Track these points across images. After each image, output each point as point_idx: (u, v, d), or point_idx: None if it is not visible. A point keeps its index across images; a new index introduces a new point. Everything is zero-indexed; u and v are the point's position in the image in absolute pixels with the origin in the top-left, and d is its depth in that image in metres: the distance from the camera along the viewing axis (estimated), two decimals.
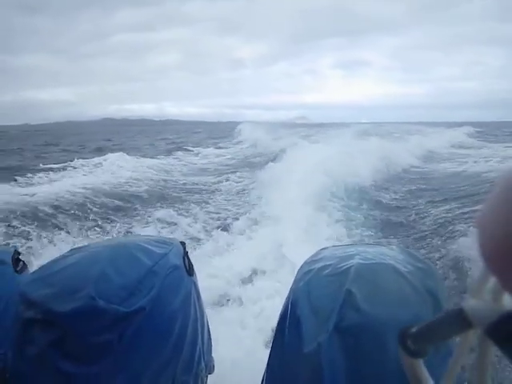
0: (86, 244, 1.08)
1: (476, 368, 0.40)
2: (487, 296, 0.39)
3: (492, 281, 0.38)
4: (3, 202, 10.60)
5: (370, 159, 15.16)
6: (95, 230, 9.56)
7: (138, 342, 0.91)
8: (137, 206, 11.86)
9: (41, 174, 16.84)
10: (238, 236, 8.08)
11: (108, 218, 10.51)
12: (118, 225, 9.92)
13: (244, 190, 13.22)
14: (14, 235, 8.68)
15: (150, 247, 1.02)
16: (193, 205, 11.57)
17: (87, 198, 12.04)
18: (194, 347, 1.04)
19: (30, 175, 16.44)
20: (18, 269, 1.26)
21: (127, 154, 22.55)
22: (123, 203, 12.03)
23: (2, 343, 1.21)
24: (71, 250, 1.05)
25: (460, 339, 0.44)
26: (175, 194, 13.56)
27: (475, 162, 19.72)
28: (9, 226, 9.06)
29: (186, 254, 1.08)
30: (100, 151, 26.44)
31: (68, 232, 9.18)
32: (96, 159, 20.69)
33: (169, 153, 27.10)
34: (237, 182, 14.87)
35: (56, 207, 10.81)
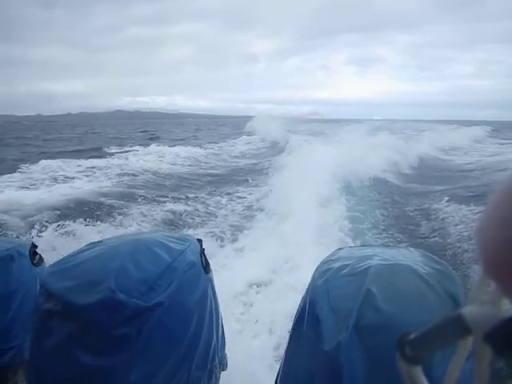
0: (104, 238, 1.09)
1: (475, 374, 0.40)
2: (486, 301, 0.38)
3: (491, 286, 0.38)
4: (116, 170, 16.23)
5: (381, 156, 15.15)
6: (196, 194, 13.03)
7: (155, 336, 0.91)
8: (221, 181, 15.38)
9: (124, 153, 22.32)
10: (252, 236, 8.13)
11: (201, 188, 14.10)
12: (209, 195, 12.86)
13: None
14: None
15: (168, 243, 1.03)
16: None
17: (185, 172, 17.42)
18: (209, 343, 1.05)
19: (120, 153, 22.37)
20: (35, 262, 1.28)
21: (183, 144, 27.55)
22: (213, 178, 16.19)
23: (18, 334, 1.23)
24: (89, 243, 1.06)
25: (459, 345, 0.44)
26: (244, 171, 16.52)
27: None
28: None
29: (202, 251, 1.08)
30: (156, 139, 32.18)
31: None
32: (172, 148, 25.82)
33: (216, 142, 31.47)
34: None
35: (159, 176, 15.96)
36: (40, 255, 1.30)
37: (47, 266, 1.07)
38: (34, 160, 18.09)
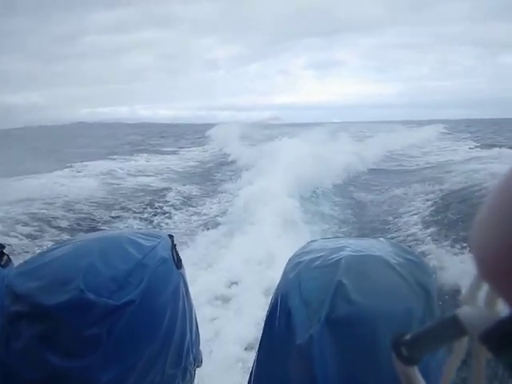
0: (72, 237, 1.06)
1: (471, 374, 0.40)
2: (481, 302, 0.39)
3: (485, 287, 0.38)
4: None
5: (337, 158, 15.32)
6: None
7: (127, 335, 0.90)
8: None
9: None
10: (220, 237, 8.08)
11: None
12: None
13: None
14: None
15: (138, 240, 1.01)
16: None
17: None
18: (182, 340, 1.03)
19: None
20: (3, 263, 1.24)
21: None
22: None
23: None
24: (58, 242, 1.04)
25: (454, 345, 0.44)
26: None
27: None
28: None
29: (174, 247, 1.06)
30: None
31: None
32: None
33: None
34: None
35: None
36: (8, 256, 1.26)
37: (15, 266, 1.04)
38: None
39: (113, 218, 10.27)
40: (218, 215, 10.08)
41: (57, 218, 9.84)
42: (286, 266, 0.95)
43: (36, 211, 9.95)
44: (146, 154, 24.53)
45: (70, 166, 17.79)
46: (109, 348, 0.88)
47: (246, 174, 13.76)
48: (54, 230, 9.09)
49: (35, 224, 9.17)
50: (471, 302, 0.40)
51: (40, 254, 1.00)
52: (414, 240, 7.74)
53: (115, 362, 0.89)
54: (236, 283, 5.66)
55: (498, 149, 19.69)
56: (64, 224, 9.56)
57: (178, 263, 1.05)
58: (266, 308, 0.94)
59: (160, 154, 25.76)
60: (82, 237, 1.07)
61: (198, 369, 1.13)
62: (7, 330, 0.92)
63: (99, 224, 9.72)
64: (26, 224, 9.07)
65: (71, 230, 9.12)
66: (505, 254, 0.31)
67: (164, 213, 10.75)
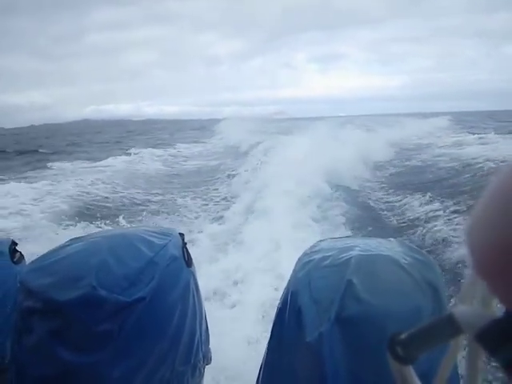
0: (85, 234, 1.07)
1: (467, 373, 0.40)
2: (477, 301, 0.39)
3: (481, 286, 0.38)
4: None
5: (347, 152, 15.10)
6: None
7: (138, 331, 0.91)
8: None
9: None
10: (229, 231, 8.09)
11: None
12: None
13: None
14: None
15: (149, 238, 1.02)
16: None
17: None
18: (192, 338, 1.04)
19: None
20: (15, 259, 1.25)
21: None
22: None
23: (0, 332, 1.20)
24: (70, 239, 1.05)
25: (450, 344, 0.44)
26: None
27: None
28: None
29: (184, 245, 1.07)
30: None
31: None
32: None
33: None
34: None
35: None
36: (20, 253, 1.28)
37: (28, 263, 1.05)
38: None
39: (205, 181, 13.33)
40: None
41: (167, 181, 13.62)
42: (296, 264, 0.96)
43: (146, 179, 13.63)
44: (184, 144, 27.01)
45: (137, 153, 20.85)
46: (119, 344, 0.89)
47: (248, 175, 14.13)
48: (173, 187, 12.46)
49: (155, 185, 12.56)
50: (467, 300, 0.41)
51: (53, 250, 1.00)
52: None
53: (126, 358, 0.90)
54: (246, 277, 5.64)
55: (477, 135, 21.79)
56: (176, 186, 12.92)
57: (189, 261, 1.06)
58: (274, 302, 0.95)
59: (195, 142, 28.38)
60: (94, 234, 1.08)
61: (207, 366, 1.14)
62: (20, 326, 0.94)
63: (204, 183, 12.99)
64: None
65: (184, 188, 12.33)
66: (500, 252, 0.31)
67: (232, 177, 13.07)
